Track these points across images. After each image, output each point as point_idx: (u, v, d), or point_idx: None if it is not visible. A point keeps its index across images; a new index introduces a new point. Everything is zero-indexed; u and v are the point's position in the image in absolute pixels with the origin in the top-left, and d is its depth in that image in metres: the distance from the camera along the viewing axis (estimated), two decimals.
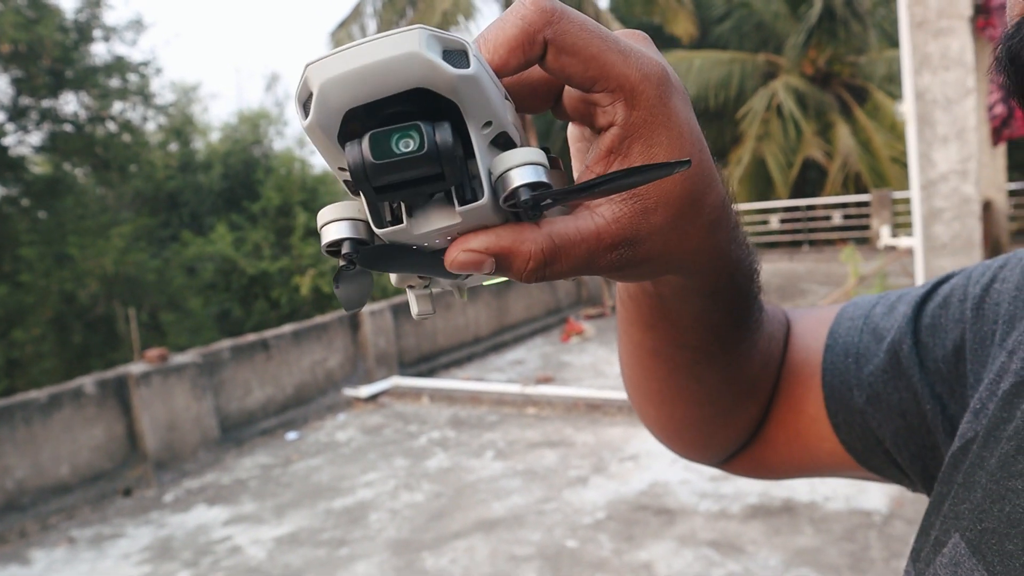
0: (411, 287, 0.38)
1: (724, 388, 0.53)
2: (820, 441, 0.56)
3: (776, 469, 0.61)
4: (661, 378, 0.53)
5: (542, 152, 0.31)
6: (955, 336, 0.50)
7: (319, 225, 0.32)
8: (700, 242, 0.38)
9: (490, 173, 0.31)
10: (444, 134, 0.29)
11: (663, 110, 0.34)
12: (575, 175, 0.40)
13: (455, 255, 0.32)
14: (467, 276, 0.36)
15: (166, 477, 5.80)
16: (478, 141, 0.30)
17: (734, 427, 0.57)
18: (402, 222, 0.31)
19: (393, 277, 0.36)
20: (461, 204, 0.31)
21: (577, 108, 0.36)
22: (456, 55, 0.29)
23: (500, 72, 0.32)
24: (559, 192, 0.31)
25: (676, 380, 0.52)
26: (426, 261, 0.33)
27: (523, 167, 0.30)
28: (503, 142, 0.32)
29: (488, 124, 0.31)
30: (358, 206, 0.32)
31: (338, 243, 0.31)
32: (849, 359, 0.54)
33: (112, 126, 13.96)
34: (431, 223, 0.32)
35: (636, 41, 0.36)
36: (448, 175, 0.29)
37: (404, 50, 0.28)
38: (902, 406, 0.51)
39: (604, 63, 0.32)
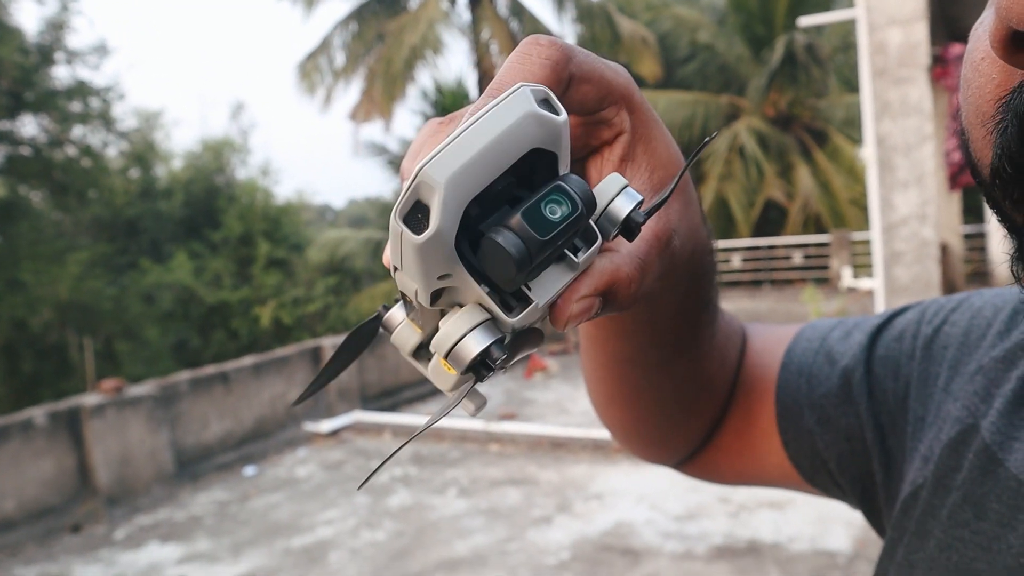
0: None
1: (687, 383, 0.55)
2: (769, 455, 0.59)
3: (727, 475, 0.64)
4: (631, 382, 0.54)
5: (617, 174, 0.32)
6: (905, 372, 0.51)
7: (446, 350, 0.29)
8: (697, 212, 0.43)
9: None
10: (581, 185, 0.28)
11: (647, 108, 0.37)
12: None
13: (571, 310, 0.31)
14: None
15: (118, 513, 5.62)
16: None
17: (691, 427, 0.59)
18: (529, 301, 0.29)
19: (448, 384, 0.33)
20: (575, 254, 0.30)
21: (574, 136, 0.37)
22: (546, 103, 0.28)
23: None
24: (654, 206, 0.32)
25: (646, 380, 0.54)
26: (535, 337, 0.32)
27: (622, 194, 0.31)
28: None
29: (567, 165, 0.30)
30: (473, 311, 0.29)
31: (482, 354, 0.28)
32: (802, 379, 0.56)
33: (72, 150, 13.73)
34: (550, 288, 0.30)
35: None
36: (588, 226, 0.28)
37: (521, 112, 0.26)
38: (848, 431, 0.53)
39: (608, 81, 0.35)
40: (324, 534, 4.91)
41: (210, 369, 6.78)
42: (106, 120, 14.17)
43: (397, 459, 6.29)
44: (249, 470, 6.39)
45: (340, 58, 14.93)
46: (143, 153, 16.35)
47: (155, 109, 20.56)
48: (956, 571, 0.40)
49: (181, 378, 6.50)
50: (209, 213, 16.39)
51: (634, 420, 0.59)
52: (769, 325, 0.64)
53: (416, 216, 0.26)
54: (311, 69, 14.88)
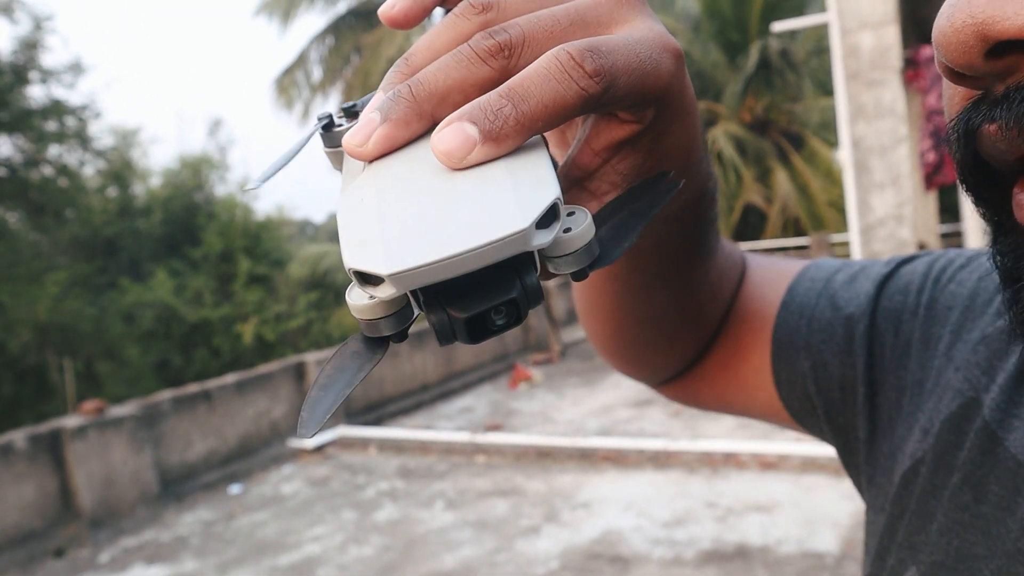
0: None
1: (670, 312, 0.53)
2: (758, 390, 0.58)
3: (709, 402, 0.63)
4: (612, 300, 0.52)
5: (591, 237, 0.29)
6: (907, 328, 0.49)
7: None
8: (690, 128, 0.36)
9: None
10: (535, 294, 0.26)
11: (680, 100, 0.34)
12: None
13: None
14: None
15: (102, 536, 5.55)
16: None
17: (674, 352, 0.58)
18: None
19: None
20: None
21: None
22: (548, 216, 0.26)
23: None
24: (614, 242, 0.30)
25: (627, 300, 0.52)
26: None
27: (578, 252, 0.28)
28: None
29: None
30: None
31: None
32: (803, 321, 0.54)
33: (48, 170, 13.61)
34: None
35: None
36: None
37: (509, 232, 0.24)
38: (843, 381, 0.52)
39: (642, 89, 0.30)
40: (311, 551, 4.88)
41: (193, 388, 6.73)
42: (82, 139, 14.07)
43: (384, 474, 6.26)
44: (234, 488, 6.33)
45: (317, 72, 14.93)
46: (121, 171, 16.22)
47: (132, 127, 20.44)
48: (956, 556, 0.39)
49: (163, 397, 6.44)
50: (189, 230, 16.29)
51: (612, 334, 0.57)
52: (771, 258, 0.62)
53: (366, 278, 0.26)
54: (288, 84, 14.87)
